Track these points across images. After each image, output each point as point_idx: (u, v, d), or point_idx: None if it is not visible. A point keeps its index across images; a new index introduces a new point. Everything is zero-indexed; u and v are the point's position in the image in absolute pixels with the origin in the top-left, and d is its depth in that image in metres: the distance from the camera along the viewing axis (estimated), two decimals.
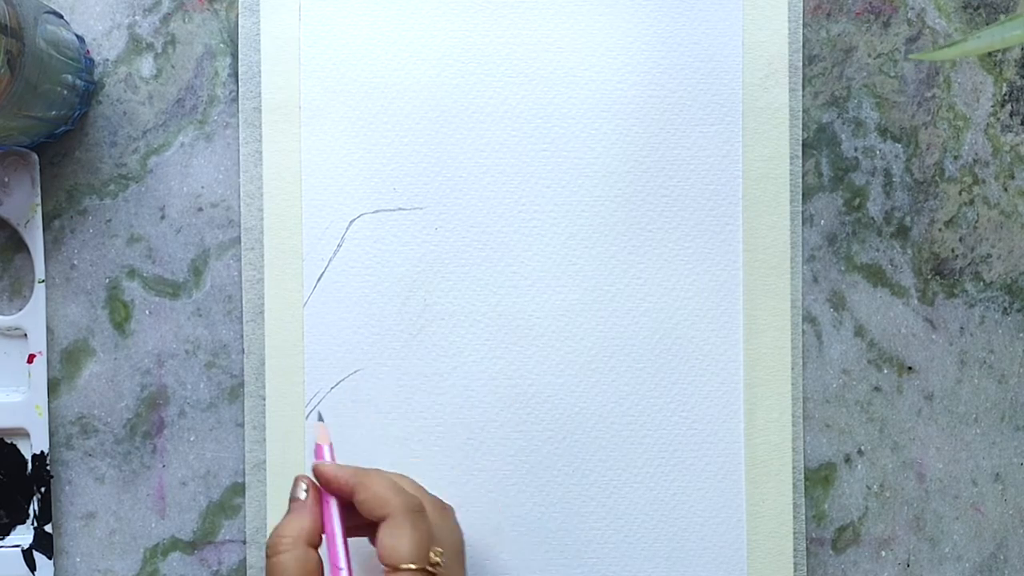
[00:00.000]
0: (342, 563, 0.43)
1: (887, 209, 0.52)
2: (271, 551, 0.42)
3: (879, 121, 0.52)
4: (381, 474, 0.44)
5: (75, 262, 0.51)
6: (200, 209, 0.51)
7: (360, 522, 0.44)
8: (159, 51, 0.51)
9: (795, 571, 0.51)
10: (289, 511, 0.44)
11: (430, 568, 0.42)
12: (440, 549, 0.42)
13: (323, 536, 0.43)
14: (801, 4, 0.51)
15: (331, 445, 0.45)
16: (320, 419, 0.47)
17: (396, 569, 0.41)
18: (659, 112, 0.51)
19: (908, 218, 0.52)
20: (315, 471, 0.44)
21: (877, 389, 0.52)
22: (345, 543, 0.43)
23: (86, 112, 0.51)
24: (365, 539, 0.46)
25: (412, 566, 0.41)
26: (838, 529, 0.52)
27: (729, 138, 0.51)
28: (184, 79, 0.51)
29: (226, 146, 0.51)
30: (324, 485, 0.44)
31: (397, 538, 0.42)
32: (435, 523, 0.44)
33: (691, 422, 0.51)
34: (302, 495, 0.44)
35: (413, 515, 0.42)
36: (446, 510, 0.46)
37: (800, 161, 0.52)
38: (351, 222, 0.51)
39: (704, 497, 0.51)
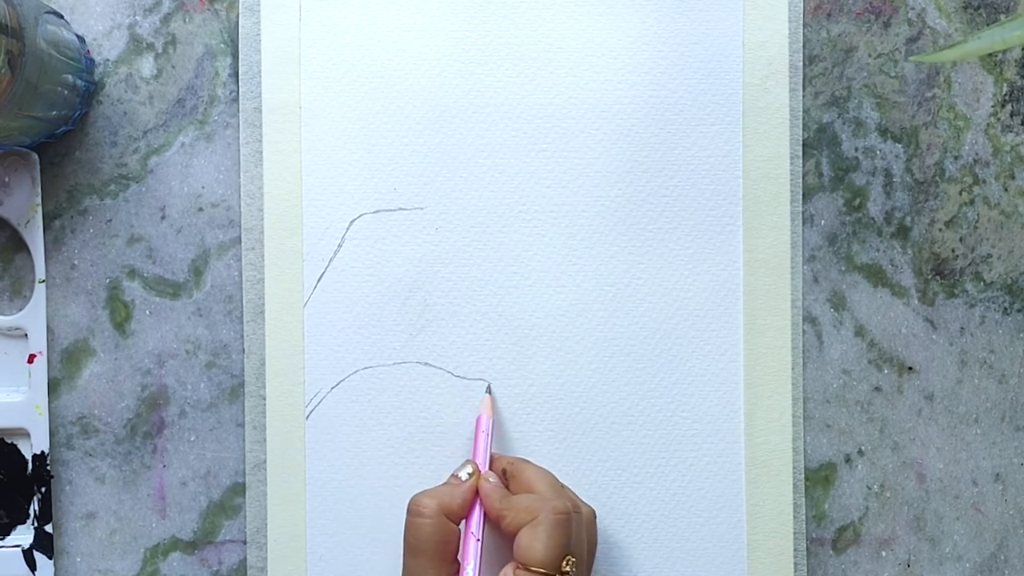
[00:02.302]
0: (479, 533, 0.46)
1: (887, 209, 0.52)
2: (413, 510, 0.45)
3: (879, 121, 0.52)
4: (532, 480, 0.47)
5: (75, 262, 0.51)
6: (200, 209, 0.51)
7: None
8: (159, 51, 0.51)
9: (795, 571, 0.51)
10: (445, 482, 0.47)
11: (559, 575, 0.43)
12: (574, 559, 0.44)
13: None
14: (801, 4, 0.51)
15: (492, 421, 0.49)
16: (489, 391, 0.50)
17: (527, 568, 0.43)
18: (659, 112, 0.51)
19: (908, 218, 0.52)
20: (480, 491, 0.46)
21: (877, 389, 0.52)
22: (483, 519, 0.46)
23: (86, 112, 0.51)
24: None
25: (542, 570, 0.43)
26: (838, 529, 0.52)
27: (729, 138, 0.51)
28: (184, 79, 0.51)
29: (226, 146, 0.51)
30: (483, 498, 0.47)
31: (535, 540, 0.44)
32: (576, 532, 0.45)
33: (691, 422, 0.51)
34: (464, 476, 0.47)
35: (556, 522, 0.44)
36: (590, 518, 0.48)
37: (800, 161, 0.52)
38: (351, 222, 0.51)
39: (704, 497, 0.51)
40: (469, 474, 0.47)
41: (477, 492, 0.46)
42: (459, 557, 0.46)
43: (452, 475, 0.47)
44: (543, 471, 0.48)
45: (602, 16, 0.51)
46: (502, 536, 0.46)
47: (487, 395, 0.50)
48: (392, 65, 0.51)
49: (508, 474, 0.48)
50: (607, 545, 0.51)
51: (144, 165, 0.51)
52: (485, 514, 0.46)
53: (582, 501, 0.48)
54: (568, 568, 0.43)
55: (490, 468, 0.48)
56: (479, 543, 0.45)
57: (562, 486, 0.48)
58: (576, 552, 0.44)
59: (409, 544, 0.45)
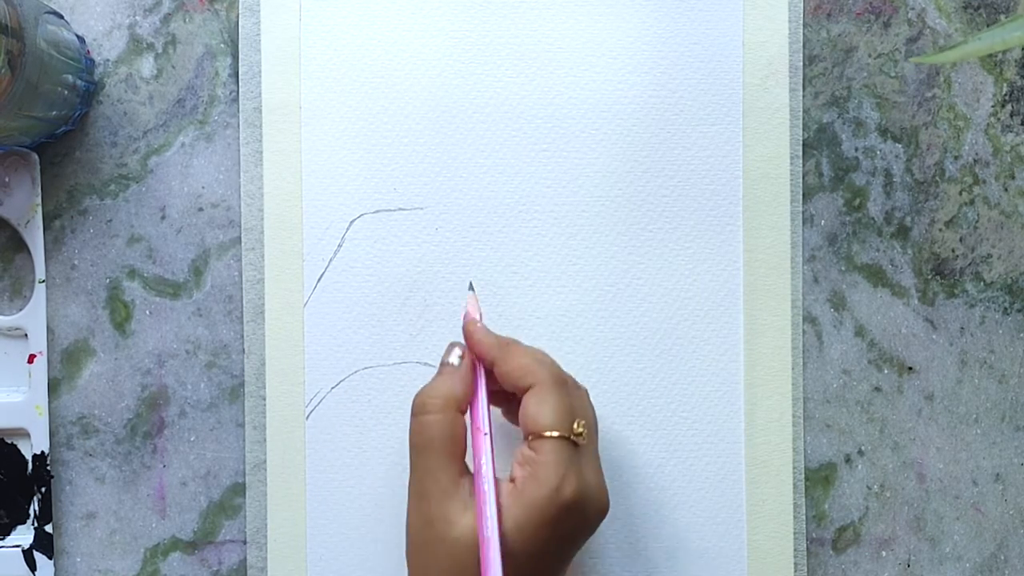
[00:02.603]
0: (485, 427, 0.43)
1: (887, 209, 0.52)
2: (418, 410, 0.43)
3: (879, 121, 0.52)
4: (524, 347, 0.45)
5: (75, 262, 0.51)
6: (200, 209, 0.51)
7: (495, 389, 0.45)
8: (159, 51, 0.51)
9: (795, 571, 0.51)
10: (439, 374, 0.45)
11: (573, 438, 0.42)
12: (583, 421, 0.42)
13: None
14: (801, 4, 0.51)
15: (481, 313, 0.47)
16: (471, 289, 0.48)
17: (539, 436, 0.42)
18: (659, 112, 0.51)
19: (908, 218, 0.52)
20: (466, 332, 0.45)
21: (877, 389, 0.52)
22: (488, 409, 0.44)
23: (86, 112, 0.51)
24: (498, 411, 0.47)
25: (555, 433, 0.41)
26: (838, 529, 0.52)
27: (729, 138, 0.51)
28: (184, 79, 0.51)
29: (226, 146, 0.51)
30: (472, 348, 0.44)
31: (543, 405, 0.42)
32: (577, 400, 0.44)
33: (691, 422, 0.51)
34: (455, 360, 0.45)
35: (559, 385, 0.43)
36: (583, 391, 0.46)
37: (800, 161, 0.52)
38: (351, 222, 0.51)
39: (704, 497, 0.51)
40: (460, 357, 0.45)
41: (475, 377, 0.44)
42: (467, 459, 0.43)
43: (442, 364, 0.45)
44: (534, 348, 0.46)
45: (602, 16, 0.51)
46: (499, 399, 0.45)
47: (470, 292, 0.48)
48: (392, 65, 0.51)
49: (498, 355, 0.45)
50: (607, 545, 0.51)
51: (144, 165, 0.51)
52: (488, 391, 0.44)
53: (573, 378, 0.47)
54: (580, 430, 0.42)
55: (476, 354, 0.45)
56: (487, 437, 0.43)
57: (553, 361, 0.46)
58: (584, 417, 0.43)
59: (417, 446, 0.43)
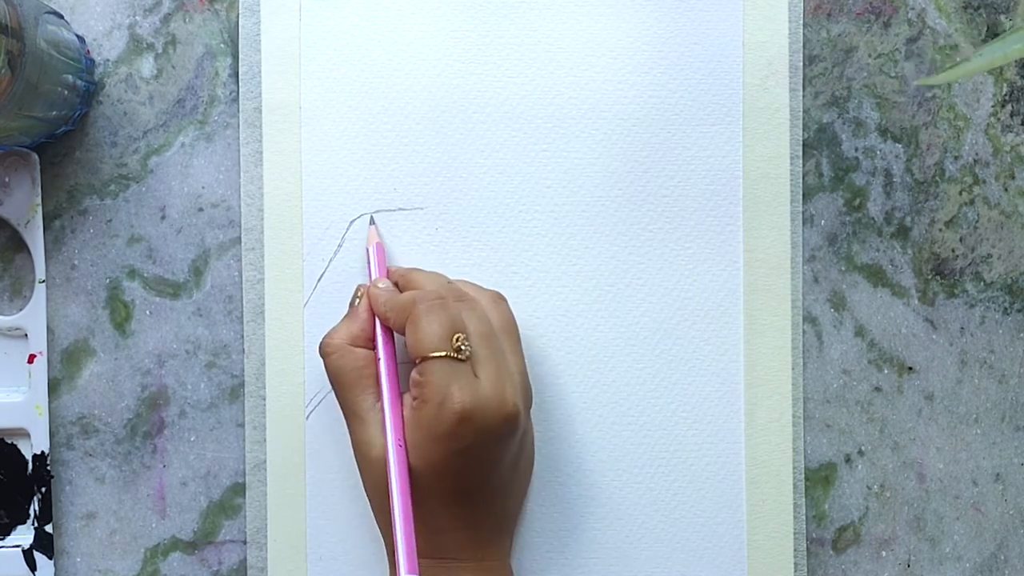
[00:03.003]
0: (380, 354, 0.46)
1: (887, 209, 0.52)
2: (322, 352, 0.47)
3: (879, 121, 0.52)
4: (419, 279, 0.48)
5: (75, 262, 0.51)
6: (200, 209, 0.51)
7: None
8: (159, 51, 0.51)
9: (795, 571, 0.51)
10: (343, 317, 0.48)
11: (452, 353, 0.44)
12: (462, 335, 0.44)
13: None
14: (801, 4, 0.51)
15: (379, 245, 0.49)
16: (372, 223, 0.50)
17: (424, 359, 0.44)
18: (659, 112, 0.51)
19: (908, 218, 0.52)
20: (368, 291, 0.47)
21: (877, 389, 0.52)
22: (388, 339, 0.47)
23: (86, 112, 0.51)
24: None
25: (436, 354, 0.43)
26: (838, 529, 0.52)
27: (729, 138, 0.51)
28: (184, 79, 0.51)
29: (226, 146, 0.51)
30: (372, 305, 0.47)
31: (417, 332, 0.44)
32: (462, 314, 0.45)
33: (691, 422, 0.51)
34: (356, 301, 0.48)
35: (430, 307, 0.44)
36: (494, 299, 0.48)
37: (800, 161, 0.52)
38: (351, 222, 0.51)
39: (704, 497, 0.51)
40: (360, 296, 0.48)
41: (370, 314, 0.47)
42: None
43: (349, 306, 0.48)
44: (434, 273, 0.48)
45: (602, 16, 0.51)
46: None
47: (371, 226, 0.50)
48: (392, 65, 0.51)
49: (400, 285, 0.48)
50: (606, 545, 0.51)
51: (144, 165, 0.51)
52: (384, 324, 0.47)
53: (481, 288, 0.49)
54: (459, 344, 0.44)
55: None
56: (383, 362, 0.46)
57: (450, 281, 0.48)
58: (469, 329, 0.45)
59: (332, 383, 0.47)
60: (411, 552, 0.43)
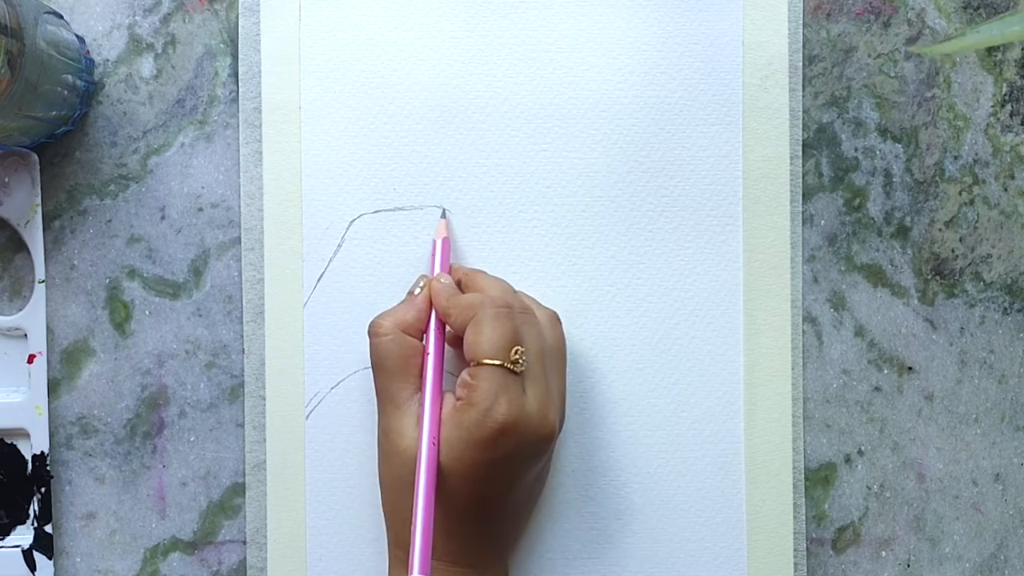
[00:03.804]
0: (430, 349, 0.46)
1: (887, 209, 0.52)
2: (372, 331, 0.46)
3: (879, 121, 0.52)
4: (482, 281, 0.47)
5: (75, 262, 0.51)
6: (200, 209, 0.51)
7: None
8: (159, 51, 0.51)
9: (795, 571, 0.51)
10: (401, 302, 0.48)
11: (509, 365, 0.44)
12: (522, 348, 0.44)
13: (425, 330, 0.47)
14: (801, 4, 0.51)
15: (446, 240, 0.49)
16: (444, 216, 0.50)
17: (478, 364, 0.44)
18: (659, 112, 0.51)
19: (908, 218, 0.52)
20: (430, 284, 0.47)
21: (877, 389, 0.52)
22: (440, 336, 0.47)
23: (86, 112, 0.51)
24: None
25: (492, 361, 0.44)
26: (838, 529, 0.52)
27: (729, 138, 0.51)
28: (184, 79, 0.51)
29: (226, 146, 0.51)
30: (433, 300, 0.47)
31: (479, 335, 0.44)
32: (523, 327, 0.45)
33: (691, 422, 0.51)
34: (416, 290, 0.48)
35: (499, 316, 0.44)
36: (551, 318, 0.48)
37: (800, 161, 0.52)
38: (351, 222, 0.51)
39: (704, 497, 0.51)
40: (421, 287, 0.47)
41: (428, 307, 0.47)
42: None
43: (408, 293, 0.48)
44: (497, 278, 0.48)
45: (602, 16, 0.51)
46: (457, 343, 0.47)
47: (442, 219, 0.50)
48: (392, 65, 0.51)
49: (463, 283, 0.48)
50: (606, 545, 0.51)
51: (144, 165, 0.51)
52: (439, 319, 0.47)
53: (541, 305, 0.49)
54: (517, 357, 0.44)
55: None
56: (432, 357, 0.46)
57: (515, 291, 0.48)
58: (527, 344, 0.45)
59: (374, 365, 0.46)
60: (426, 552, 0.42)
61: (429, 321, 0.47)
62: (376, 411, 0.47)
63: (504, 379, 0.43)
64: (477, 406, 0.43)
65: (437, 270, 0.48)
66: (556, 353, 0.47)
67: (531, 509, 0.49)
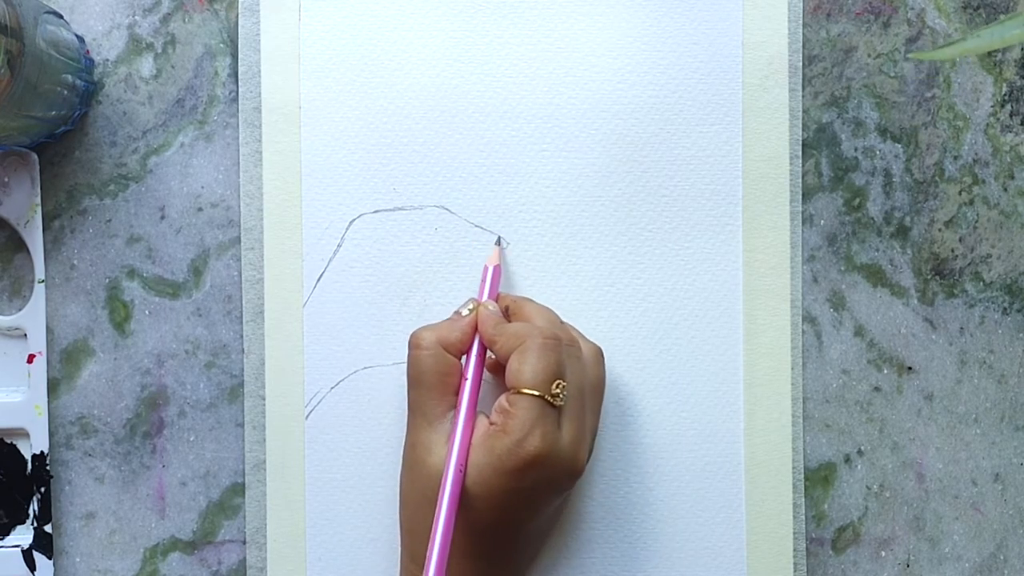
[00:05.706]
0: (469, 373, 0.46)
1: (887, 209, 0.52)
2: (413, 343, 0.46)
3: (879, 121, 0.52)
4: (529, 311, 0.47)
5: (75, 262, 0.51)
6: (200, 209, 0.51)
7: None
8: (159, 51, 0.51)
9: (795, 571, 0.51)
10: (447, 319, 0.48)
11: (548, 398, 0.43)
12: (564, 383, 0.44)
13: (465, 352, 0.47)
14: (801, 4, 0.51)
15: (497, 268, 0.49)
16: (499, 244, 0.50)
17: (518, 392, 0.43)
18: (659, 112, 0.51)
19: (908, 218, 0.52)
20: (478, 309, 0.47)
21: (877, 389, 0.52)
22: (481, 362, 0.46)
23: (86, 112, 0.51)
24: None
25: (532, 392, 0.43)
26: (838, 529, 0.52)
27: (729, 138, 0.51)
28: (184, 79, 0.51)
29: (226, 146, 0.51)
30: (478, 323, 0.47)
31: (523, 364, 0.44)
32: (567, 360, 0.45)
33: (691, 422, 0.51)
34: (465, 312, 0.47)
35: (545, 347, 0.44)
36: (595, 354, 0.48)
37: (800, 161, 0.52)
38: (351, 222, 0.51)
39: (704, 497, 0.51)
40: (470, 310, 0.47)
41: (473, 332, 0.47)
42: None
43: (455, 312, 0.48)
44: (544, 307, 0.48)
45: (602, 16, 0.51)
46: (500, 371, 0.46)
47: (496, 247, 0.50)
48: (392, 65, 0.51)
49: (510, 310, 0.48)
50: (606, 545, 0.51)
51: (144, 165, 0.51)
52: (482, 343, 0.47)
53: (586, 339, 0.48)
54: (558, 391, 0.44)
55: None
56: (470, 382, 0.45)
57: (562, 322, 0.48)
58: (569, 379, 0.44)
59: (411, 377, 0.46)
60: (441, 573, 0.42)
61: (471, 344, 0.47)
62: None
63: (542, 411, 0.43)
64: (511, 434, 0.43)
65: (486, 296, 0.48)
66: (595, 390, 0.47)
67: (547, 539, 0.50)
